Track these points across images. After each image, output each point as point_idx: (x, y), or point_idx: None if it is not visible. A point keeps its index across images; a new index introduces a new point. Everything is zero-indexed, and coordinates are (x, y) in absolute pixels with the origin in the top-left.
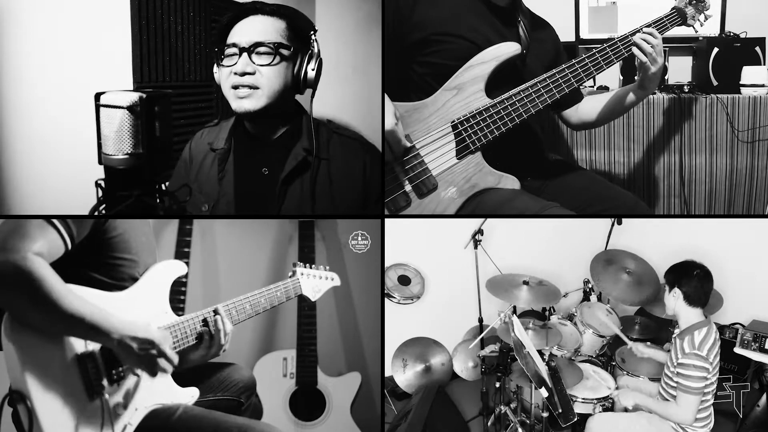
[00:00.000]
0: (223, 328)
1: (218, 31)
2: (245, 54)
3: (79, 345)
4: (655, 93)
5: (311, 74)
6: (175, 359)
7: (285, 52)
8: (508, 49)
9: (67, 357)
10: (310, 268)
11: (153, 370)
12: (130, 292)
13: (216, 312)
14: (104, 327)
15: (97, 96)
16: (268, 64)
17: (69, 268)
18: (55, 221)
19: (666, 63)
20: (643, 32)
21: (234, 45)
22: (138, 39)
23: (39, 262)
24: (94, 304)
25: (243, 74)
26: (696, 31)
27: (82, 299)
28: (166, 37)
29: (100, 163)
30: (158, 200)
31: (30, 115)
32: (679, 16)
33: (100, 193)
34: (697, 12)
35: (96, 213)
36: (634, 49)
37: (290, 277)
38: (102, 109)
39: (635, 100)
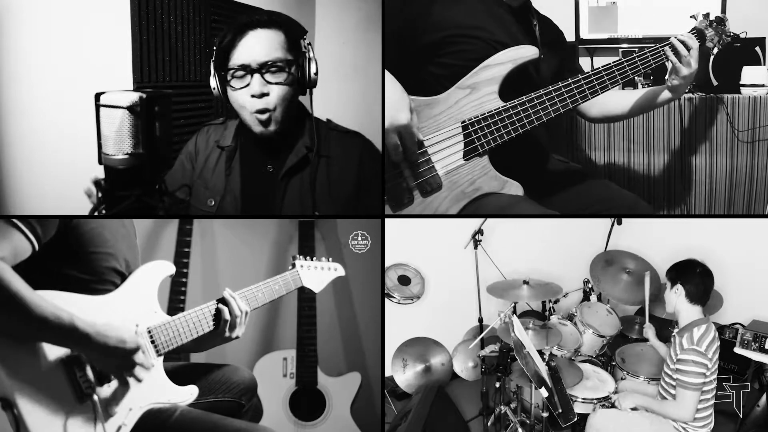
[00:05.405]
0: (240, 311)
1: (221, 53)
2: (257, 75)
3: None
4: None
5: (314, 78)
6: (150, 365)
7: (293, 66)
8: (527, 52)
9: (51, 361)
10: (311, 260)
11: (122, 378)
12: (117, 293)
13: (224, 300)
14: (71, 330)
15: (97, 96)
16: (282, 82)
17: (47, 268)
18: (18, 222)
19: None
20: (681, 36)
21: (243, 67)
22: (138, 39)
23: (2, 267)
24: (62, 308)
25: (261, 95)
26: (712, 52)
27: (50, 303)
28: (166, 37)
29: (100, 163)
30: (161, 199)
31: (30, 115)
32: (698, 37)
33: (100, 193)
34: (717, 35)
35: (96, 213)
36: (668, 50)
37: (290, 269)
38: (102, 109)
39: (665, 100)
